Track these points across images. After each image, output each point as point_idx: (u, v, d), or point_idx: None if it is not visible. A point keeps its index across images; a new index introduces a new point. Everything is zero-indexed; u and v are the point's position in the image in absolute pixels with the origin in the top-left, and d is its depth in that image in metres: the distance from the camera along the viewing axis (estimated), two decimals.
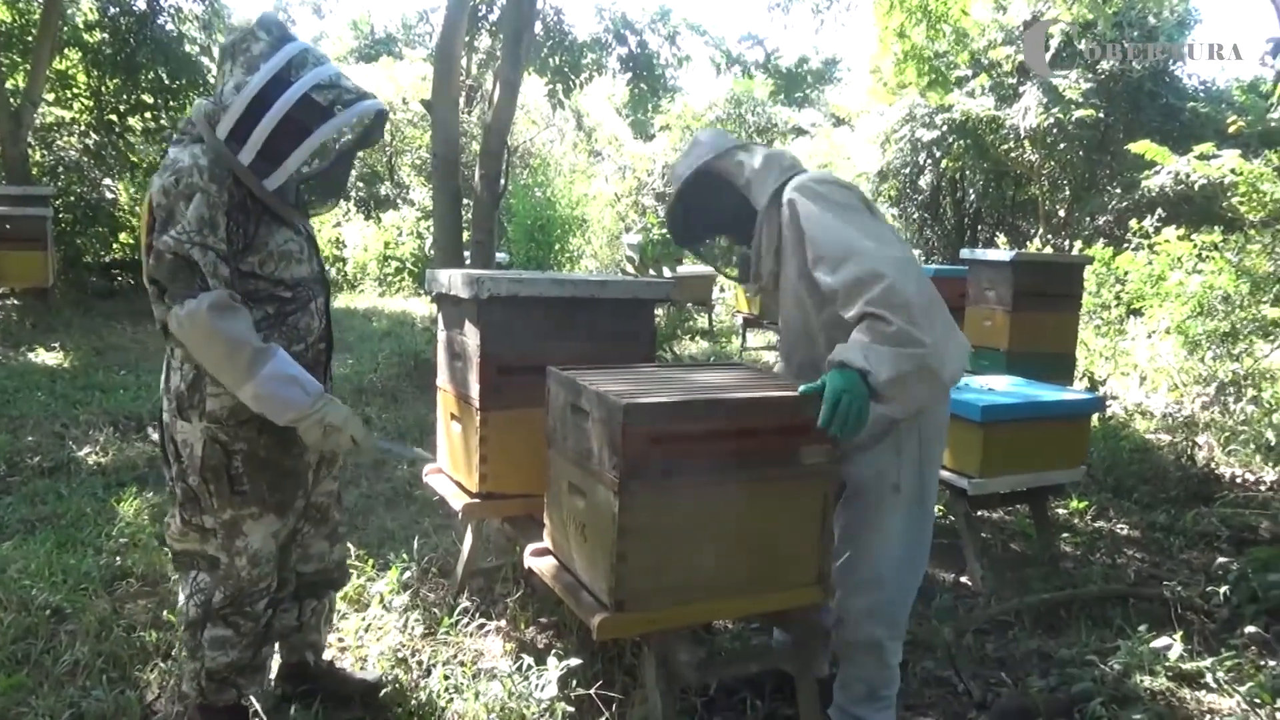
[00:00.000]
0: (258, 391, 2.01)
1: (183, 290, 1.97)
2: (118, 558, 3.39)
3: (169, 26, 11.30)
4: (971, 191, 15.44)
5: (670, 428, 2.02)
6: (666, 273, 9.41)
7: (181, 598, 2.27)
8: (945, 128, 13.31)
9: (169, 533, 2.28)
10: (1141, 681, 2.87)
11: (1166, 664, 2.92)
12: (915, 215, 15.84)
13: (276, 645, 2.57)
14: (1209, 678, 2.88)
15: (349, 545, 2.93)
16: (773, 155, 2.49)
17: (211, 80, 11.38)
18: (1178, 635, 3.03)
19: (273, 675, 2.56)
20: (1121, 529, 4.49)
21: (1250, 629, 3.23)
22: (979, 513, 4.02)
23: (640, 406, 1.98)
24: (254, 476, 2.14)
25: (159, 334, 2.15)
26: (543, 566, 2.43)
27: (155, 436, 5.08)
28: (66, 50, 10.80)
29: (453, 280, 2.91)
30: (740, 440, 2.10)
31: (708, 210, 2.58)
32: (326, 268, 2.44)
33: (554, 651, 2.75)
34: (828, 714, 2.49)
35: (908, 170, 15.00)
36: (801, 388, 2.13)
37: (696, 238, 2.73)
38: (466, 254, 7.12)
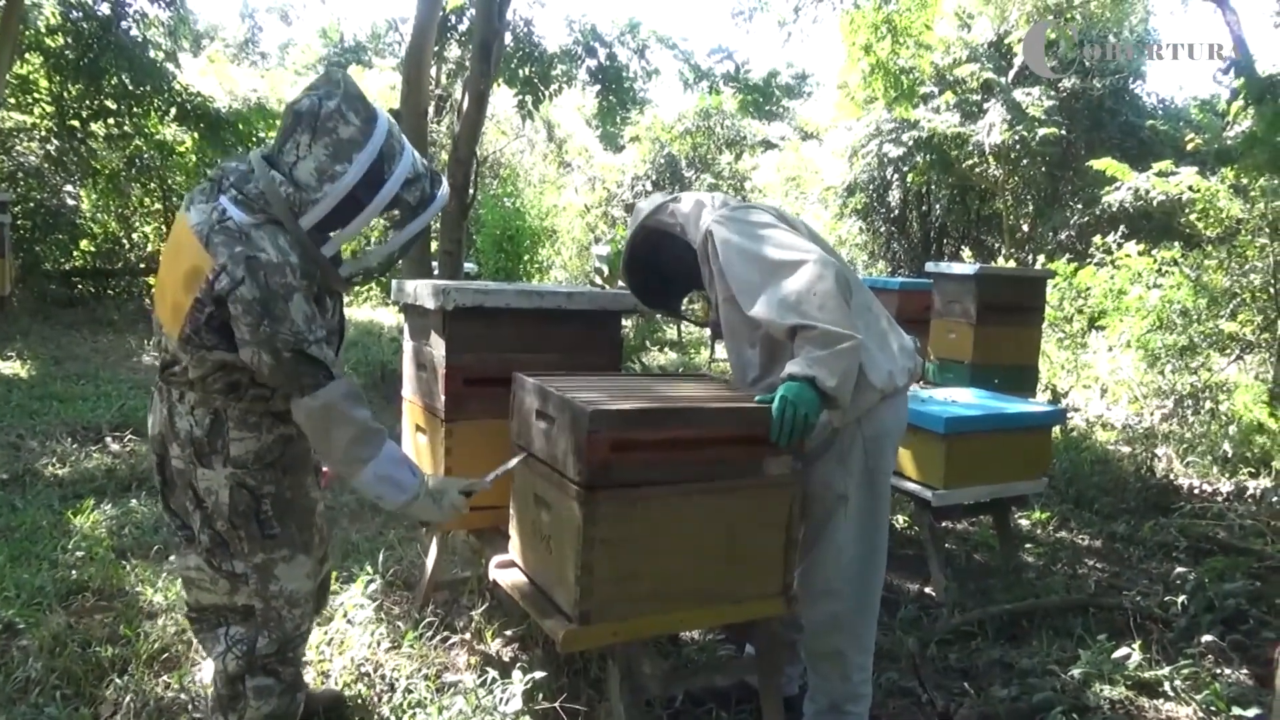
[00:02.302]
0: (378, 474, 2.04)
1: (309, 382, 1.96)
2: (74, 571, 3.32)
3: (133, 32, 11.14)
4: (937, 206, 15.63)
5: (636, 435, 2.03)
6: None
7: (215, 654, 2.20)
8: (911, 144, 13.48)
9: (193, 586, 2.21)
10: (1101, 690, 2.91)
11: (1126, 673, 2.97)
12: (882, 229, 16.01)
13: None
14: (1167, 686, 2.93)
15: None
16: (702, 198, 2.53)
17: (176, 86, 11.25)
18: (1137, 644, 3.07)
19: None
20: (1082, 539, 4.55)
21: (1207, 638, 3.29)
22: (943, 523, 4.06)
23: (606, 413, 1.99)
24: (283, 519, 2.11)
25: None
26: (508, 579, 2.42)
27: (118, 450, 5.00)
28: (27, 54, 10.62)
29: (419, 291, 2.90)
30: (705, 450, 2.11)
31: (663, 268, 2.69)
32: None
33: (519, 664, 2.73)
34: None
35: (875, 185, 15.16)
36: (757, 397, 2.19)
37: (667, 300, 2.85)
38: (434, 264, 7.09)
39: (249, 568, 2.10)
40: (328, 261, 2.02)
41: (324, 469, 2.36)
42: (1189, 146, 8.96)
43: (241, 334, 1.91)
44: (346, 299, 2.48)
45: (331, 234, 2.01)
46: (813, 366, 2.08)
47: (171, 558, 2.51)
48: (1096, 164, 8.97)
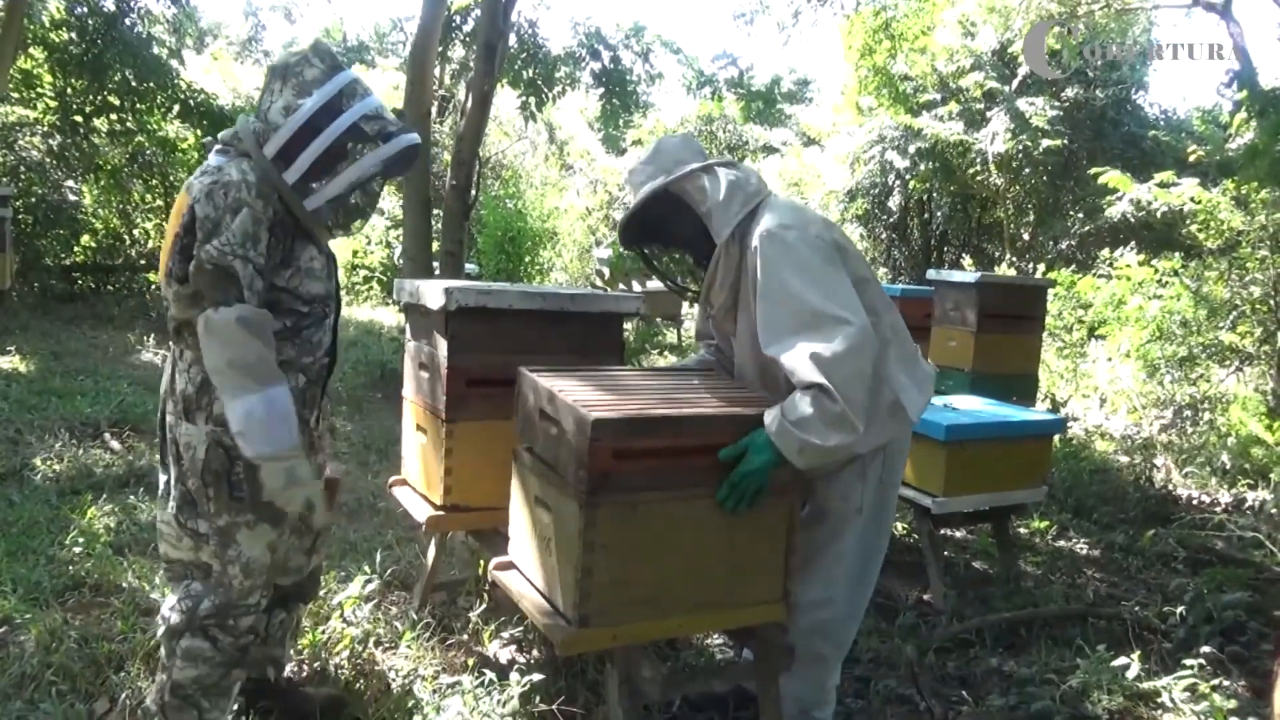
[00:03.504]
0: (251, 409, 2.01)
1: (219, 297, 2.01)
2: (70, 567, 3.31)
3: (137, 28, 11.13)
4: (939, 213, 15.64)
5: (638, 444, 2.02)
6: (636, 287, 9.44)
7: (166, 606, 2.22)
8: (914, 151, 13.49)
9: (162, 539, 2.26)
10: (1100, 700, 2.91)
11: (1124, 683, 2.96)
12: (883, 235, 16.02)
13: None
14: (1165, 697, 2.92)
15: None
16: (737, 183, 2.33)
17: (180, 83, 11.26)
18: (1135, 655, 3.06)
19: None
20: (1081, 549, 4.55)
21: (1206, 649, 3.28)
22: (942, 531, 4.06)
23: (609, 422, 1.98)
24: (253, 483, 2.11)
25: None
26: (507, 580, 2.41)
27: (116, 447, 4.99)
28: (31, 49, 10.61)
29: (421, 290, 2.89)
30: (708, 456, 2.10)
31: (664, 226, 2.48)
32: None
33: (517, 666, 2.73)
34: None
35: (876, 191, 15.16)
36: (721, 453, 2.08)
37: (646, 246, 2.64)
38: (436, 264, 7.08)
39: (211, 529, 2.14)
40: (289, 189, 2.10)
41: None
42: (1191, 158, 8.97)
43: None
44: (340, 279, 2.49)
45: (294, 163, 2.09)
46: (800, 443, 2.01)
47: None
48: (1100, 177, 8.96)
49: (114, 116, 11.08)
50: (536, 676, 2.55)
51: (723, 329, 2.58)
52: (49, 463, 4.60)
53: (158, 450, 2.28)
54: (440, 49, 9.89)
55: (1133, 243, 10.50)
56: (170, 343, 2.22)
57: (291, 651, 2.71)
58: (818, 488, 2.37)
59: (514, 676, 2.54)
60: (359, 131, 2.15)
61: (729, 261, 2.33)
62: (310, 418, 2.29)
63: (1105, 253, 10.18)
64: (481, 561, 3.14)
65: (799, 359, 2.06)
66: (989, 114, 13.02)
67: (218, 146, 2.17)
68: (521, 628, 3.03)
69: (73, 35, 10.73)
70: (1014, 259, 13.51)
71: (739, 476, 2.06)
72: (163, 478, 2.24)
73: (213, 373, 2.05)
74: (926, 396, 2.40)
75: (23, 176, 10.50)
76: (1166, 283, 8.87)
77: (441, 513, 2.82)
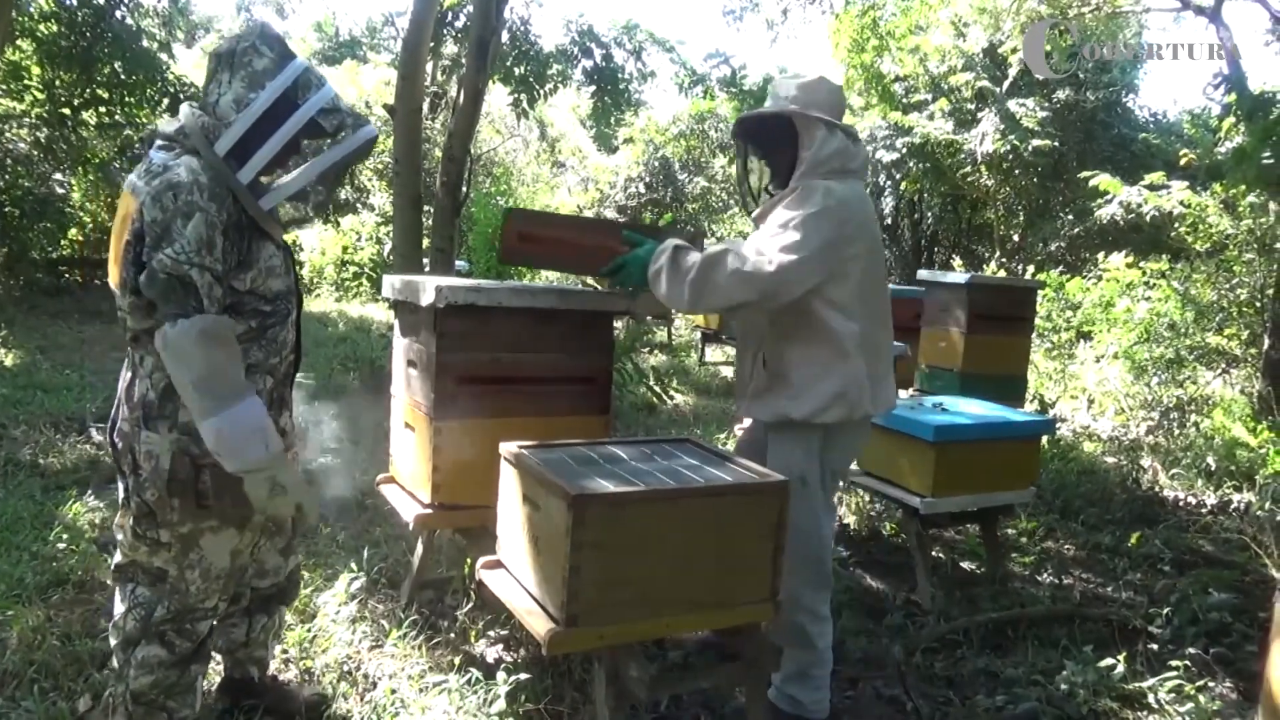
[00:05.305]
0: (221, 428, 1.95)
1: (175, 309, 1.91)
2: (54, 563, 3.28)
3: (127, 20, 11.06)
4: (929, 214, 15.67)
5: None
6: None
7: (117, 612, 2.17)
8: (905, 150, 13.50)
9: (118, 541, 2.19)
10: (1086, 701, 2.91)
11: (1110, 684, 2.97)
12: None
13: (220, 658, 2.51)
14: (1151, 698, 2.93)
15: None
16: (843, 151, 2.57)
17: (170, 77, 11.18)
18: (1121, 656, 3.08)
19: (213, 688, 2.50)
20: (1068, 550, 4.56)
21: (1191, 650, 3.30)
22: (930, 531, 4.06)
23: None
24: (220, 490, 2.06)
25: (122, 337, 2.09)
26: (494, 579, 2.40)
27: (101, 441, 4.96)
28: (20, 41, 10.53)
29: (411, 287, 2.88)
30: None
31: (770, 140, 2.71)
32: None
33: (503, 666, 2.72)
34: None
35: (868, 190, 15.18)
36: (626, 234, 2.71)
37: (747, 142, 2.85)
38: (426, 261, 7.05)
39: (173, 537, 2.08)
40: (244, 189, 2.02)
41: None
42: (1182, 162, 9.00)
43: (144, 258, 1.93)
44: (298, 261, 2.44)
45: (248, 162, 2.01)
46: (655, 270, 2.49)
47: None
48: (1090, 181, 8.99)
49: (102, 109, 11.01)
50: (523, 676, 2.54)
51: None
52: (34, 457, 4.56)
53: (110, 457, 2.19)
54: (432, 45, 9.85)
55: (1124, 247, 10.54)
56: (129, 348, 2.12)
57: (276, 650, 2.69)
58: (769, 455, 2.65)
59: (501, 676, 2.53)
60: (315, 126, 2.08)
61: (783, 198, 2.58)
62: (280, 419, 2.23)
63: (1100, 256, 10.21)
64: (469, 560, 3.13)
65: (750, 241, 2.50)
66: (979, 115, 13.05)
67: (160, 141, 2.05)
68: (509, 627, 3.02)
69: (61, 28, 10.65)
70: (1003, 260, 13.55)
71: (619, 261, 2.60)
72: (121, 483, 2.16)
73: (179, 390, 1.98)
74: (879, 409, 2.67)
75: (9, 169, 10.42)
76: (1154, 285, 8.91)
77: (429, 511, 2.81)
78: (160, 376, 2.04)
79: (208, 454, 2.03)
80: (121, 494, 2.16)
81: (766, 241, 2.44)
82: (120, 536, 2.17)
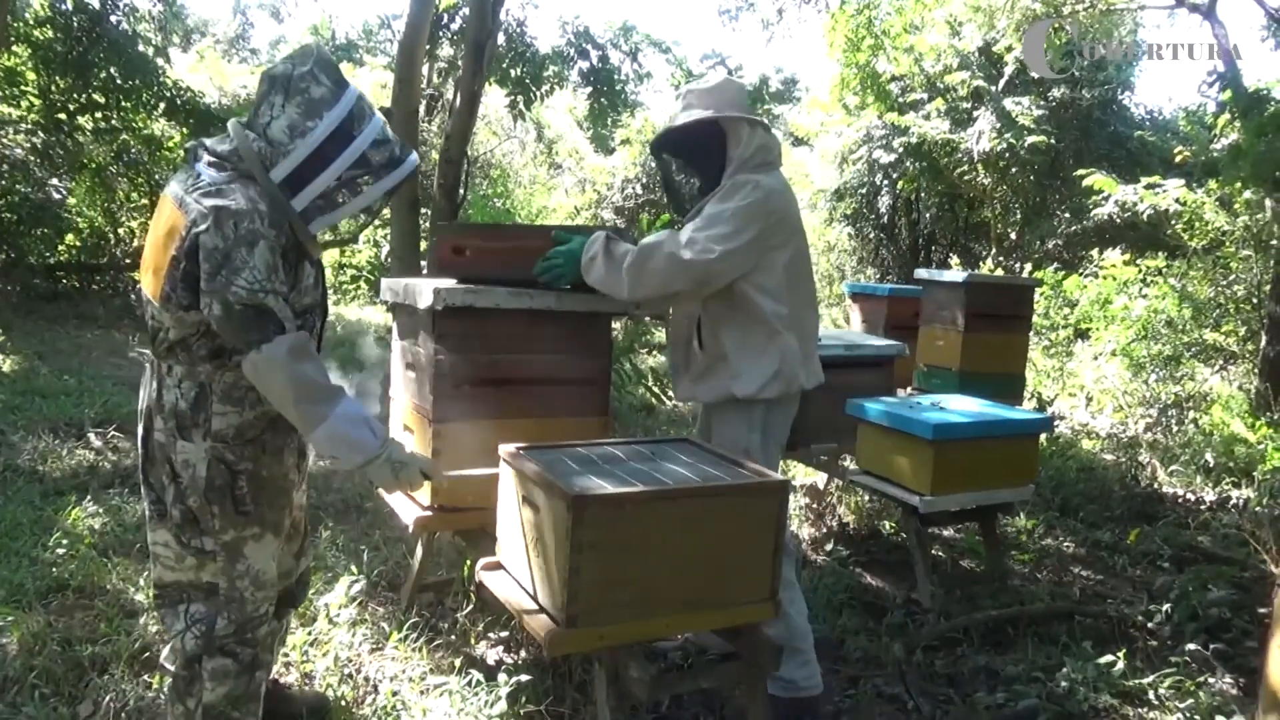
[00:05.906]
0: (332, 432, 2.00)
1: (258, 336, 1.95)
2: (54, 569, 3.28)
3: (123, 25, 11.05)
4: (926, 213, 15.67)
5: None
6: None
7: (173, 633, 2.16)
8: (901, 150, 13.51)
9: (157, 561, 2.18)
10: (1086, 698, 2.92)
11: (1110, 681, 2.98)
12: (872, 235, 16.04)
13: None
14: (1151, 695, 2.94)
15: None
16: (766, 145, 2.73)
17: (166, 81, 11.17)
18: (1121, 653, 3.08)
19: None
20: (1068, 547, 4.57)
21: (1191, 646, 3.30)
22: (929, 529, 4.07)
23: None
24: (257, 497, 2.10)
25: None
26: (494, 581, 2.40)
27: (100, 446, 4.96)
28: (15, 46, 10.52)
29: (409, 289, 2.88)
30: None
31: (692, 148, 2.85)
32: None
33: (504, 667, 2.72)
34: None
35: (865, 190, 15.18)
36: (554, 234, 2.78)
37: (669, 156, 2.98)
38: (423, 263, 7.06)
39: (218, 545, 2.10)
40: (297, 216, 2.05)
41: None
42: (1178, 159, 9.01)
43: (202, 284, 1.94)
44: (331, 284, 2.46)
45: (302, 190, 2.04)
46: (589, 257, 2.63)
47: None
48: (1085, 180, 9.00)
49: (99, 114, 10.99)
50: (524, 677, 2.54)
51: None
52: (33, 463, 4.56)
53: (140, 471, 2.19)
54: (428, 47, 9.85)
55: (1120, 244, 10.55)
56: (155, 358, 2.13)
57: (279, 653, 2.69)
58: (714, 432, 2.80)
59: (501, 677, 2.53)
60: (366, 161, 2.10)
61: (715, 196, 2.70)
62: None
63: (1096, 254, 10.22)
64: (469, 562, 3.13)
65: (684, 231, 2.63)
66: (975, 113, 13.06)
67: (210, 158, 2.05)
68: (509, 628, 3.02)
69: (57, 33, 10.64)
70: (1001, 258, 13.55)
71: (549, 255, 2.72)
72: (148, 497, 2.16)
73: (282, 410, 2.02)
74: (810, 384, 2.82)
75: (6, 175, 10.41)
76: (1152, 282, 8.92)
77: (429, 513, 2.81)
78: (190, 385, 2.05)
79: (242, 459, 2.07)
80: (149, 508, 2.16)
81: (700, 232, 2.58)
82: (161, 552, 2.16)
